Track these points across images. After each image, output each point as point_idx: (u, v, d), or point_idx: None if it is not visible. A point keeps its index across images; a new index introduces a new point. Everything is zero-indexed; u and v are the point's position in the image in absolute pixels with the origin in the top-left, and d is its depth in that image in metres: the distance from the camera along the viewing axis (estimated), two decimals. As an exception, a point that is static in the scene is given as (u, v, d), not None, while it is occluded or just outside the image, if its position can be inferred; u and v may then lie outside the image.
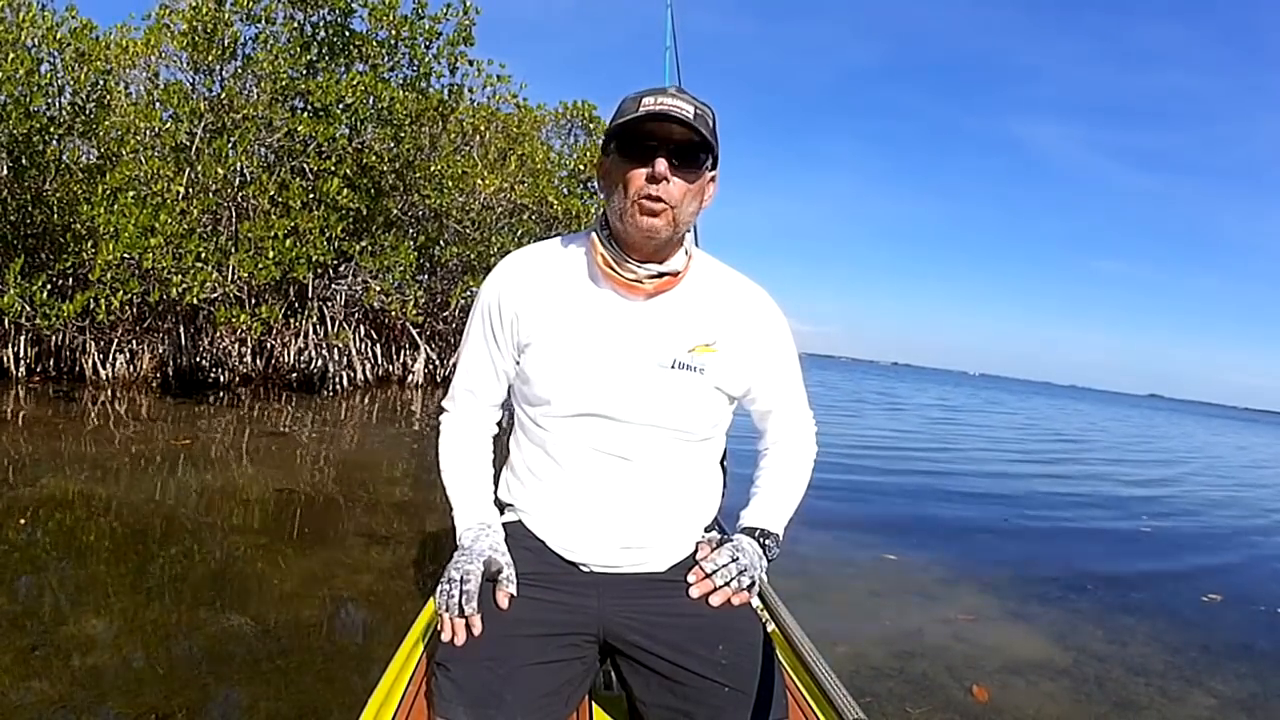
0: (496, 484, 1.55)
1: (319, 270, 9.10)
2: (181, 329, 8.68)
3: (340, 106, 8.53)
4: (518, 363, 1.48)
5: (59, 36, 7.56)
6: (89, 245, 7.47)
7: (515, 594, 1.36)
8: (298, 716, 2.25)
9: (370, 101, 8.82)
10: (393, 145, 9.25)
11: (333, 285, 9.89)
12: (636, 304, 1.42)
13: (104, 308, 7.29)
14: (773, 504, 1.56)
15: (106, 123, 7.96)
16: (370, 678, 1.62)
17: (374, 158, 9.13)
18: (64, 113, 7.79)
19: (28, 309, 7.12)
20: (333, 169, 8.49)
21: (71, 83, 7.77)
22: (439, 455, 1.54)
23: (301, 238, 8.22)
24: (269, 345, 9.39)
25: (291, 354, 9.52)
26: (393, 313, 10.35)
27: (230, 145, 7.92)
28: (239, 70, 8.37)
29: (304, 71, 8.56)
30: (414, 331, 11.34)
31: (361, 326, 10.65)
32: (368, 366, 10.66)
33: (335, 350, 9.94)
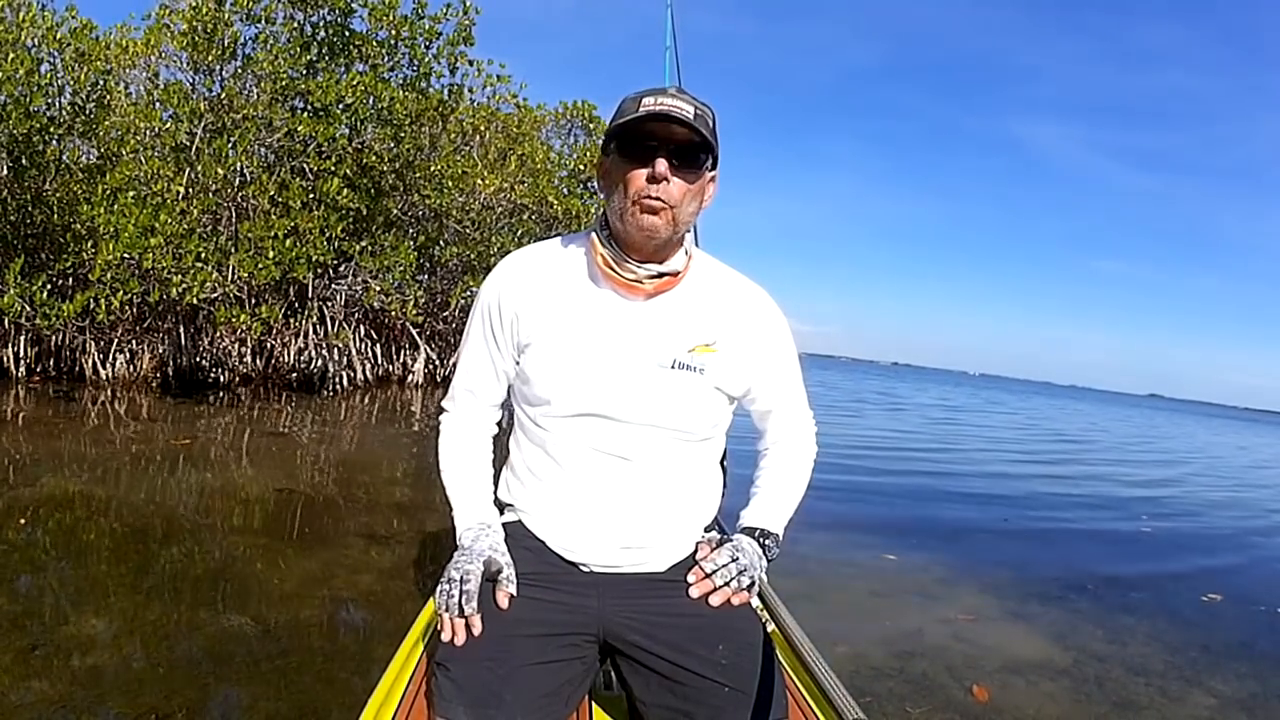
0: (496, 484, 1.55)
1: (319, 270, 9.10)
2: (181, 329, 8.68)
3: (340, 106, 8.53)
4: (518, 363, 1.48)
5: (59, 36, 7.56)
6: (89, 245, 7.47)
7: (515, 594, 1.36)
8: (298, 716, 2.25)
9: (370, 101, 8.82)
10: (393, 145, 9.26)
11: (333, 285, 9.89)
12: (636, 304, 1.42)
13: (104, 308, 7.29)
14: (773, 504, 1.56)
15: (106, 123, 7.96)
16: (370, 678, 1.62)
17: (374, 158, 9.13)
18: (64, 113, 7.79)
19: (28, 309, 7.12)
20: (333, 169, 8.49)
21: (71, 83, 7.77)
22: (439, 455, 1.54)
23: (301, 238, 8.22)
24: (269, 345, 9.39)
25: (291, 354, 9.52)
26: (393, 313, 10.35)
27: (230, 145, 7.92)
28: (239, 70, 8.37)
29: (304, 71, 8.56)
30: (414, 331, 11.34)
31: (361, 326, 10.65)
32: (368, 366, 10.66)
33: (335, 350, 9.94)
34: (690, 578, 1.42)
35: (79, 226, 7.52)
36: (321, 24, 8.91)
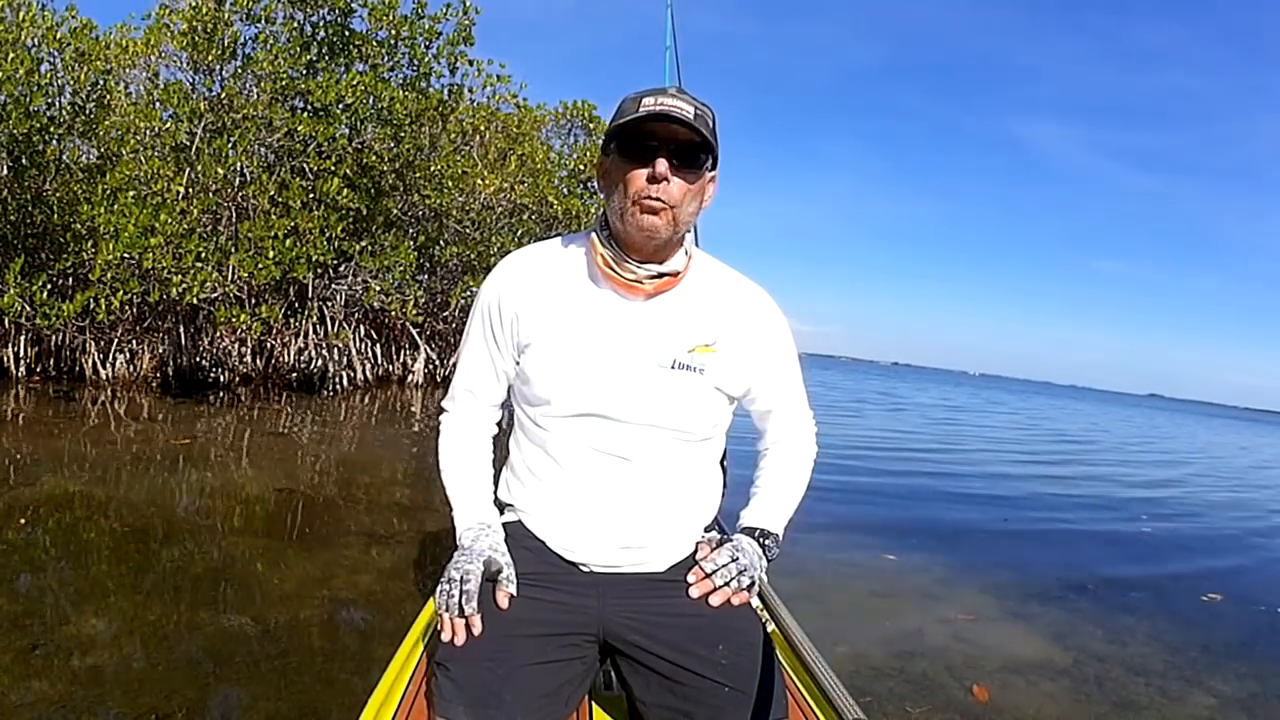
0: (496, 484, 1.55)
1: (319, 270, 9.11)
2: (181, 329, 8.68)
3: (340, 106, 8.53)
4: (517, 363, 1.48)
5: (59, 36, 7.56)
6: (89, 245, 7.47)
7: (515, 594, 1.36)
8: (298, 716, 2.25)
9: (370, 101, 8.82)
10: (393, 145, 9.26)
11: (333, 285, 9.89)
12: (636, 304, 1.42)
13: (104, 308, 7.29)
14: (772, 504, 1.56)
15: (106, 123, 7.96)
16: (370, 678, 1.62)
17: (374, 158, 9.13)
18: (64, 113, 7.79)
19: (28, 309, 7.12)
20: (333, 169, 8.49)
21: (71, 83, 7.78)
22: (439, 455, 1.54)
23: (301, 238, 8.22)
24: (269, 345, 9.39)
25: (291, 354, 9.52)
26: (393, 313, 10.35)
27: (230, 145, 7.92)
28: (239, 70, 8.37)
29: (304, 71, 8.56)
30: (414, 331, 11.34)
31: (361, 326, 10.65)
32: (368, 366, 10.66)
33: (335, 350, 9.94)
34: (690, 578, 1.42)
35: (79, 226, 7.52)
36: (321, 24, 8.91)
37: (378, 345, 11.11)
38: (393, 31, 9.25)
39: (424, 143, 10.11)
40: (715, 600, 1.39)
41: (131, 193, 7.37)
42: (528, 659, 1.31)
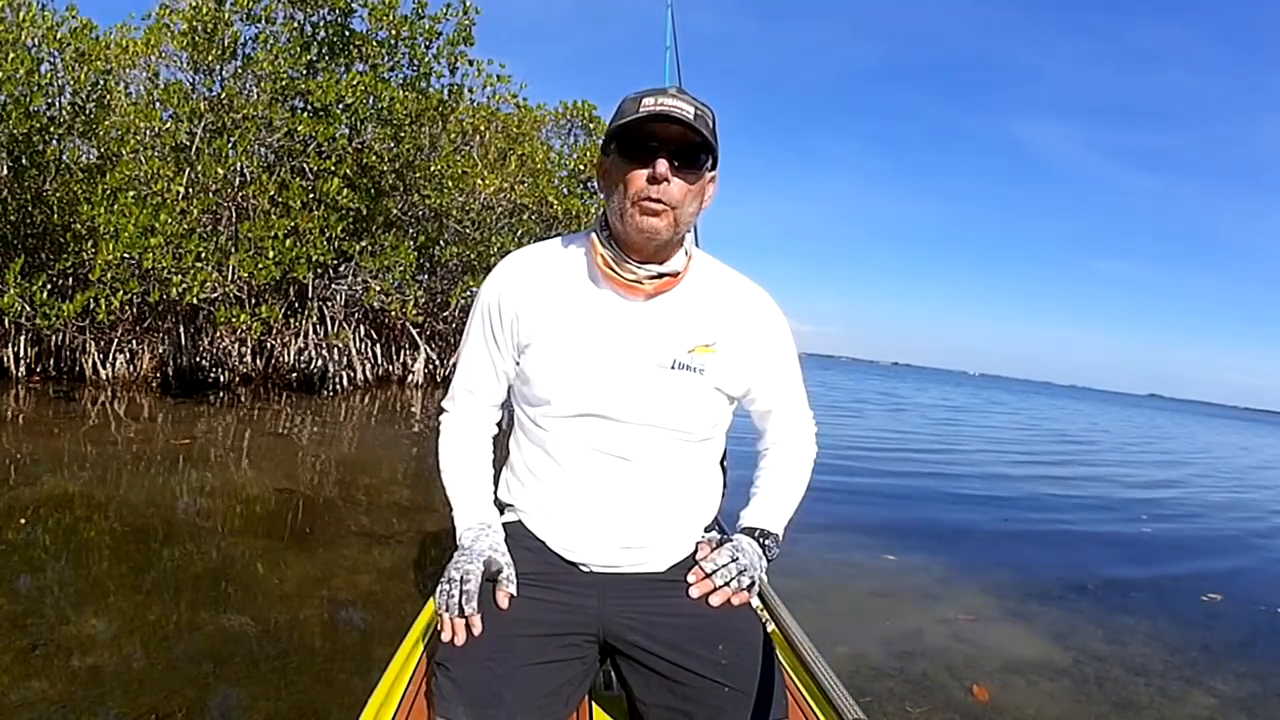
0: (496, 484, 1.55)
1: (319, 270, 9.11)
2: (181, 329, 8.68)
3: (340, 106, 8.53)
4: (517, 363, 1.47)
5: (59, 36, 7.56)
6: (89, 245, 7.48)
7: (515, 594, 1.36)
8: (298, 717, 2.25)
9: (370, 101, 8.82)
10: (393, 145, 9.26)
11: (333, 285, 9.89)
12: (636, 304, 1.42)
13: (104, 308, 7.29)
14: (773, 504, 1.56)
15: (106, 123, 7.96)
16: (370, 678, 1.62)
17: (374, 158, 9.13)
18: (64, 113, 7.80)
19: (28, 309, 7.12)
20: (333, 169, 8.49)
21: (71, 83, 7.78)
22: (439, 455, 1.54)
23: (301, 238, 8.22)
24: (269, 345, 9.39)
25: (291, 354, 9.53)
26: (393, 313, 10.35)
27: (230, 145, 7.92)
28: (239, 70, 8.37)
29: (304, 71, 8.56)
30: (414, 331, 11.34)
31: (361, 326, 10.65)
32: (368, 366, 10.66)
33: (335, 350, 9.94)
34: (690, 578, 1.42)
35: (79, 226, 7.52)
36: (321, 24, 8.91)
37: (378, 345, 11.11)
38: (393, 31, 9.25)
39: (424, 143, 10.11)
40: (715, 600, 1.39)
41: (131, 193, 7.37)
42: (528, 659, 1.31)
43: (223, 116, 8.25)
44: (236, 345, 9.08)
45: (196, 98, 8.22)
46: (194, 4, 8.00)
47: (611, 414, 1.39)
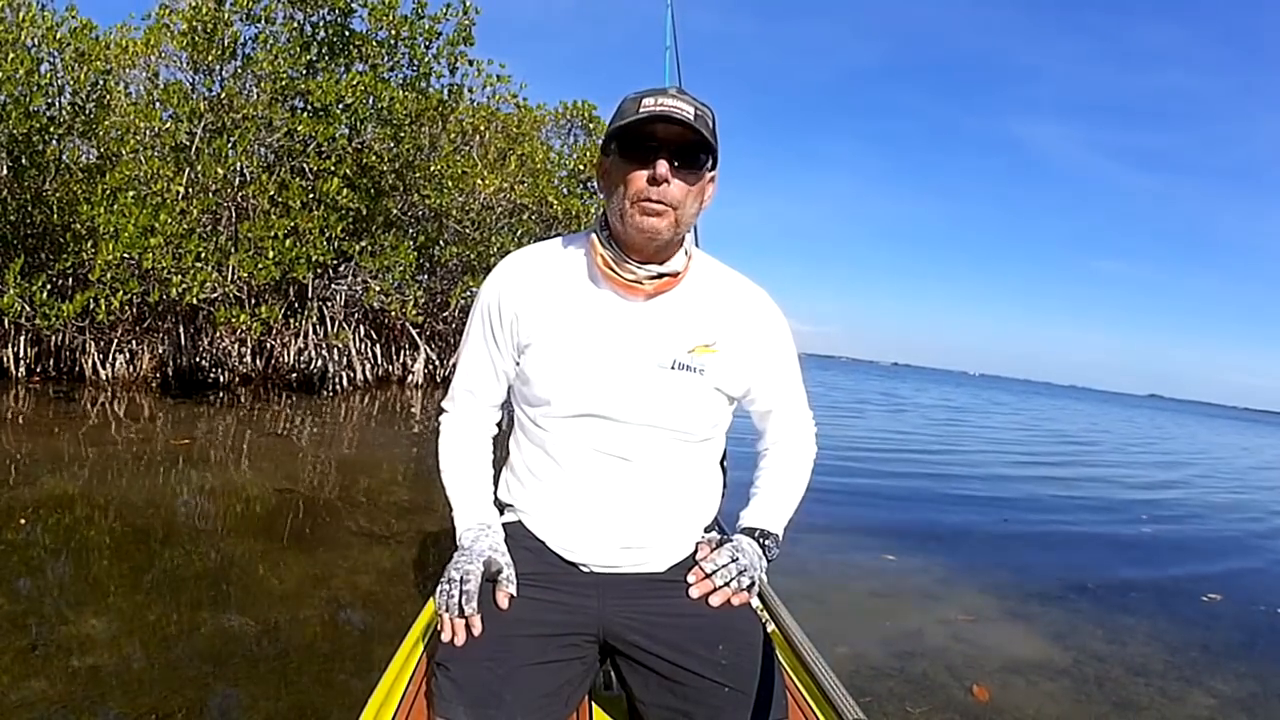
0: (496, 484, 1.55)
1: (319, 270, 9.10)
2: (181, 329, 8.68)
3: (340, 106, 8.53)
4: (517, 363, 1.47)
5: (59, 36, 7.56)
6: (89, 245, 7.47)
7: (515, 594, 1.36)
8: (298, 717, 2.25)
9: (370, 101, 8.83)
10: (393, 145, 9.26)
11: (333, 285, 9.89)
12: (636, 304, 1.42)
13: (104, 308, 7.29)
14: (772, 504, 1.56)
15: (106, 123, 7.96)
16: (370, 678, 1.62)
17: (374, 158, 9.13)
18: (64, 113, 7.79)
19: (28, 309, 7.12)
20: (333, 169, 8.50)
21: (71, 83, 7.78)
22: (439, 456, 1.54)
23: (301, 238, 8.22)
24: (269, 345, 9.39)
25: (291, 354, 9.52)
26: (393, 313, 10.35)
27: (230, 145, 7.92)
28: (239, 70, 8.37)
29: (304, 71, 8.56)
30: (414, 331, 11.34)
31: (361, 326, 10.65)
32: (367, 366, 10.66)
33: (335, 350, 9.94)
34: (690, 578, 1.42)
35: (79, 226, 7.52)
36: (321, 24, 8.91)
37: (378, 345, 11.10)
38: (393, 31, 9.25)
39: (424, 143, 10.11)
40: (715, 600, 1.39)
41: (131, 193, 7.37)
42: (528, 659, 1.31)
43: (223, 116, 8.25)
44: (236, 345, 9.08)
45: (196, 98, 8.22)
46: (194, 4, 8.00)
47: (611, 414, 1.39)
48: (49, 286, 7.30)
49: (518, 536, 1.45)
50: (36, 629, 2.59)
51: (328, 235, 8.41)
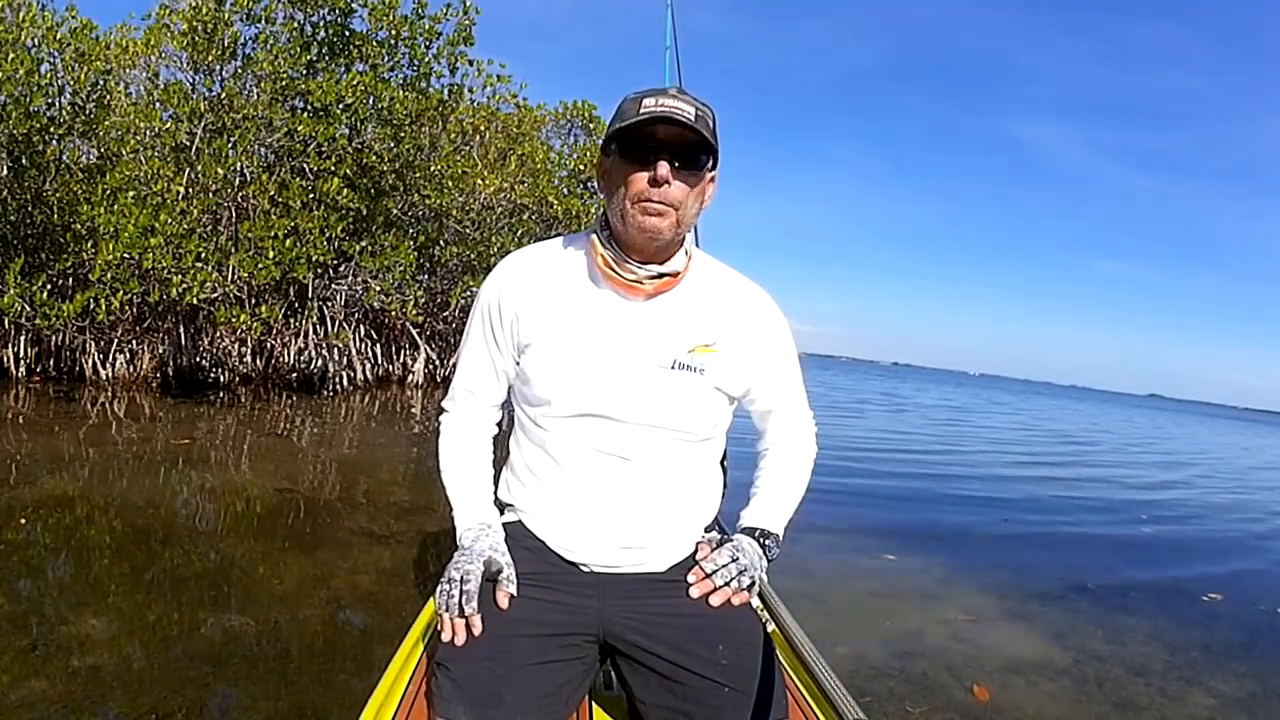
0: (496, 484, 1.55)
1: (319, 270, 9.11)
2: (181, 329, 8.68)
3: (340, 106, 8.53)
4: (518, 363, 1.47)
5: (59, 36, 7.56)
6: (89, 245, 7.48)
7: (515, 594, 1.36)
8: (298, 717, 2.25)
9: (370, 101, 8.83)
10: (393, 145, 9.26)
11: (333, 285, 9.89)
12: (636, 304, 1.42)
13: (104, 308, 7.29)
14: (773, 504, 1.56)
15: (106, 123, 7.96)
16: (370, 678, 1.62)
17: (374, 158, 9.13)
18: (64, 113, 7.79)
19: (28, 309, 7.12)
20: (333, 169, 8.50)
21: (71, 83, 7.78)
22: (439, 455, 1.54)
23: (301, 238, 8.22)
24: (269, 345, 9.39)
25: (291, 354, 9.52)
26: (393, 313, 10.35)
27: (230, 145, 7.92)
28: (239, 70, 8.37)
29: (304, 71, 8.56)
30: (414, 331, 11.34)
31: (361, 326, 10.65)
32: (368, 366, 10.66)
33: (335, 350, 9.94)
34: (690, 578, 1.42)
35: (79, 226, 7.52)
36: (321, 24, 8.91)
37: (378, 345, 11.11)
38: (393, 31, 9.25)
39: (424, 143, 10.11)
40: (715, 600, 1.39)
41: (131, 193, 7.37)
42: (528, 659, 1.31)
43: (223, 116, 8.25)
44: (236, 345, 9.08)
45: (196, 98, 8.22)
46: (194, 4, 8.00)
47: (612, 414, 1.39)
48: (49, 286, 7.30)
49: (518, 536, 1.45)
50: (36, 629, 2.59)
51: (328, 235, 8.41)
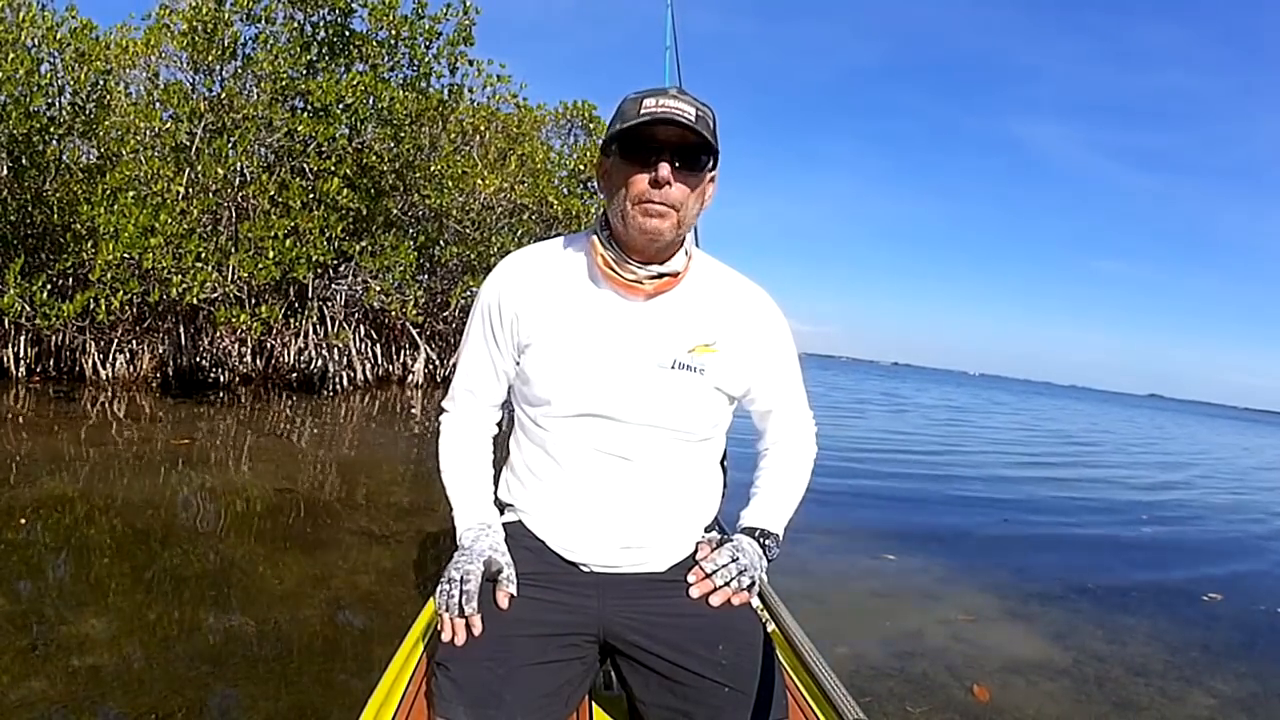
0: (496, 484, 1.55)
1: (319, 270, 9.11)
2: (181, 329, 8.68)
3: (340, 106, 8.53)
4: (518, 363, 1.47)
5: (59, 36, 7.56)
6: (89, 245, 7.48)
7: (515, 594, 1.36)
8: (298, 717, 2.25)
9: (370, 101, 8.83)
10: (393, 145, 9.26)
11: (333, 285, 9.89)
12: (636, 304, 1.42)
13: (104, 308, 7.29)
14: (773, 504, 1.56)
15: (106, 123, 7.96)
16: (370, 678, 1.62)
17: (374, 158, 9.13)
18: (64, 113, 7.80)
19: (28, 309, 7.12)
20: (333, 169, 8.50)
21: (71, 83, 7.78)
22: (439, 455, 1.54)
23: (301, 238, 8.22)
24: (269, 345, 9.39)
25: (291, 354, 9.52)
26: (393, 313, 10.35)
27: (230, 145, 7.92)
28: (239, 70, 8.37)
29: (304, 71, 8.56)
30: (414, 331, 11.34)
31: (361, 326, 10.65)
32: (368, 366, 10.66)
33: (335, 350, 9.94)
34: (690, 578, 1.42)
35: (79, 226, 7.52)
36: (321, 24, 8.91)
37: (378, 345, 11.10)
38: (393, 31, 9.25)
39: (424, 143, 10.11)
40: (715, 600, 1.39)
41: (131, 193, 7.37)
42: (528, 659, 1.31)
43: (223, 116, 8.25)
44: (236, 345, 9.08)
45: (196, 98, 8.22)
46: (194, 4, 8.00)
47: (612, 414, 1.39)
48: (49, 286, 7.30)
49: (518, 536, 1.45)
50: (36, 629, 2.59)
51: (328, 235, 8.41)
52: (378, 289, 9.71)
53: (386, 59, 9.34)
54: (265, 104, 8.24)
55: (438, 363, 12.00)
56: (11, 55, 6.91)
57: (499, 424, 1.59)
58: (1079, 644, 3.58)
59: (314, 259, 8.26)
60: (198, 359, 8.85)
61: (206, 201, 7.93)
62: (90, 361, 8.30)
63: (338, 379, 9.94)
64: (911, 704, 2.74)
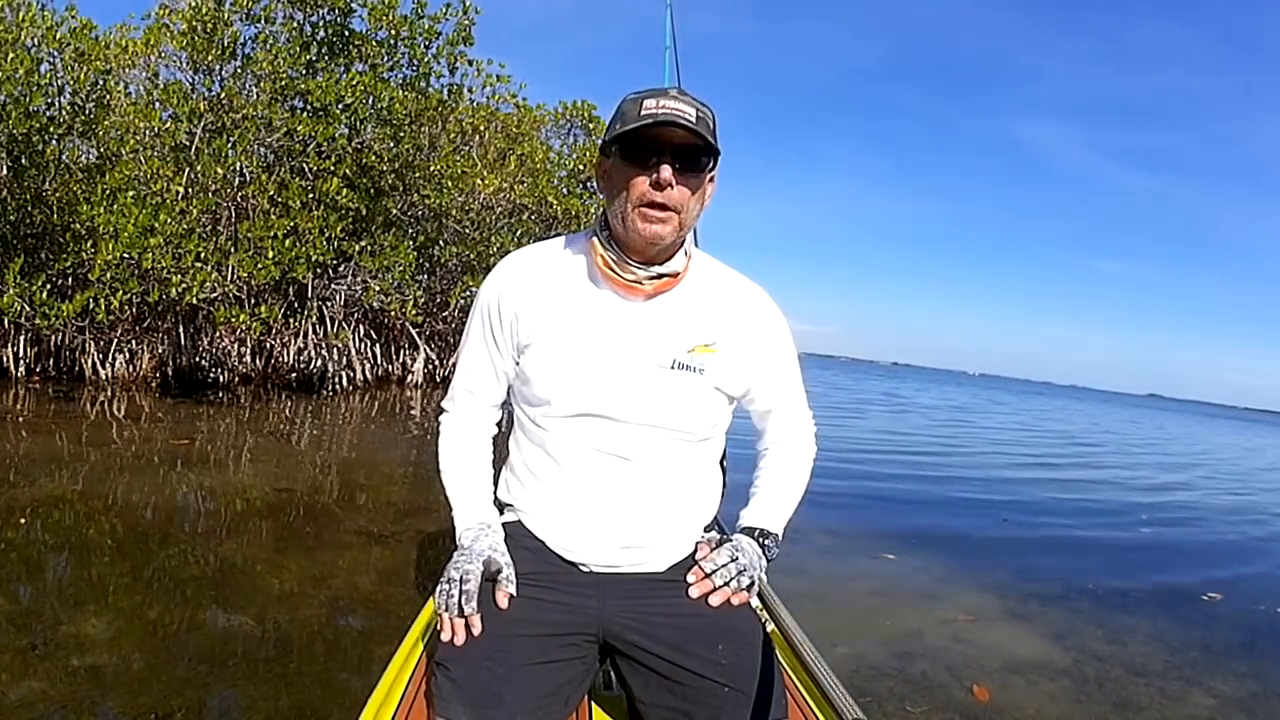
0: (496, 484, 1.55)
1: (319, 270, 9.11)
2: (181, 329, 8.68)
3: (340, 106, 8.53)
4: (517, 363, 1.47)
5: (59, 36, 7.56)
6: (89, 245, 7.48)
7: (515, 594, 1.36)
8: (297, 717, 2.25)
9: (370, 101, 8.83)
10: (392, 145, 9.26)
11: (332, 285, 9.89)
12: (636, 304, 1.42)
13: (104, 308, 7.29)
14: (772, 504, 1.56)
15: (106, 123, 7.96)
16: (370, 678, 1.62)
17: (374, 158, 9.13)
18: (64, 113, 7.80)
19: (27, 309, 7.12)
20: (332, 169, 8.50)
21: (71, 83, 7.78)
22: (439, 455, 1.54)
23: (301, 238, 8.22)
24: (268, 345, 9.39)
25: (291, 354, 9.52)
26: (392, 313, 10.35)
27: (230, 145, 7.92)
28: (239, 70, 8.37)
29: (304, 71, 8.56)
30: (413, 331, 11.34)
31: (361, 326, 10.65)
32: (367, 366, 10.66)
33: (335, 350, 9.94)
34: (690, 578, 1.42)
35: (79, 226, 7.53)
36: (321, 24, 8.92)
37: (377, 345, 11.10)
38: (392, 31, 9.25)
39: (424, 143, 10.11)
40: (715, 600, 1.39)
41: (131, 193, 7.37)
42: (527, 659, 1.31)
43: (222, 116, 8.25)
44: (236, 345, 9.08)
45: (196, 98, 8.21)
46: (194, 4, 8.00)
47: (611, 414, 1.39)
48: (49, 286, 7.30)
49: (517, 536, 1.45)
50: (36, 629, 2.58)
51: (327, 235, 8.41)
52: (377, 289, 9.70)
53: (386, 59, 9.34)
54: (265, 104, 8.24)
55: (437, 363, 12.00)
56: (11, 55, 6.91)
57: (499, 424, 1.59)
58: (1079, 644, 3.58)
59: (313, 259, 8.26)
60: (197, 359, 8.85)
61: (206, 201, 7.93)
62: (90, 361, 8.30)
63: (337, 379, 9.94)
64: (911, 704, 2.74)
